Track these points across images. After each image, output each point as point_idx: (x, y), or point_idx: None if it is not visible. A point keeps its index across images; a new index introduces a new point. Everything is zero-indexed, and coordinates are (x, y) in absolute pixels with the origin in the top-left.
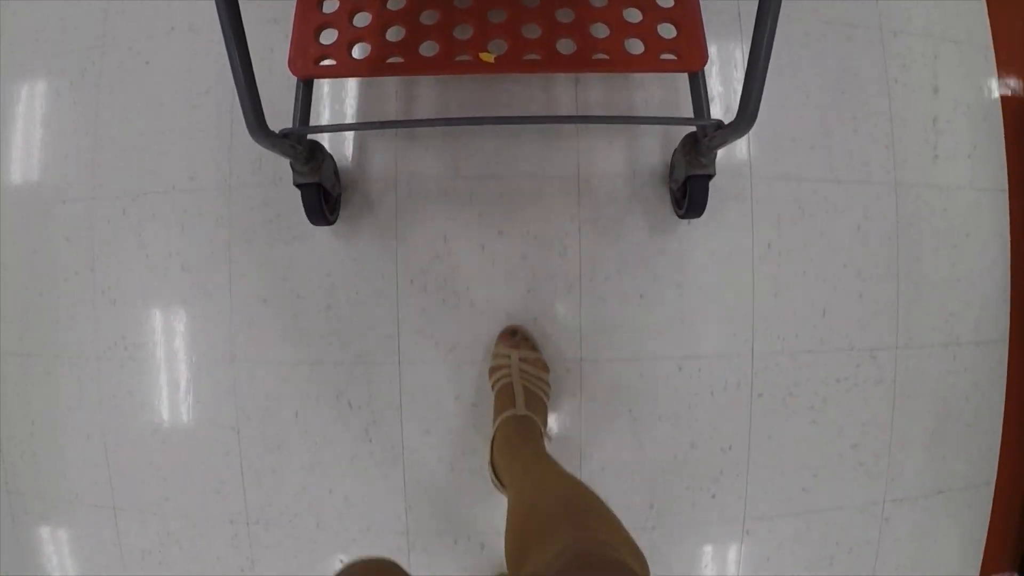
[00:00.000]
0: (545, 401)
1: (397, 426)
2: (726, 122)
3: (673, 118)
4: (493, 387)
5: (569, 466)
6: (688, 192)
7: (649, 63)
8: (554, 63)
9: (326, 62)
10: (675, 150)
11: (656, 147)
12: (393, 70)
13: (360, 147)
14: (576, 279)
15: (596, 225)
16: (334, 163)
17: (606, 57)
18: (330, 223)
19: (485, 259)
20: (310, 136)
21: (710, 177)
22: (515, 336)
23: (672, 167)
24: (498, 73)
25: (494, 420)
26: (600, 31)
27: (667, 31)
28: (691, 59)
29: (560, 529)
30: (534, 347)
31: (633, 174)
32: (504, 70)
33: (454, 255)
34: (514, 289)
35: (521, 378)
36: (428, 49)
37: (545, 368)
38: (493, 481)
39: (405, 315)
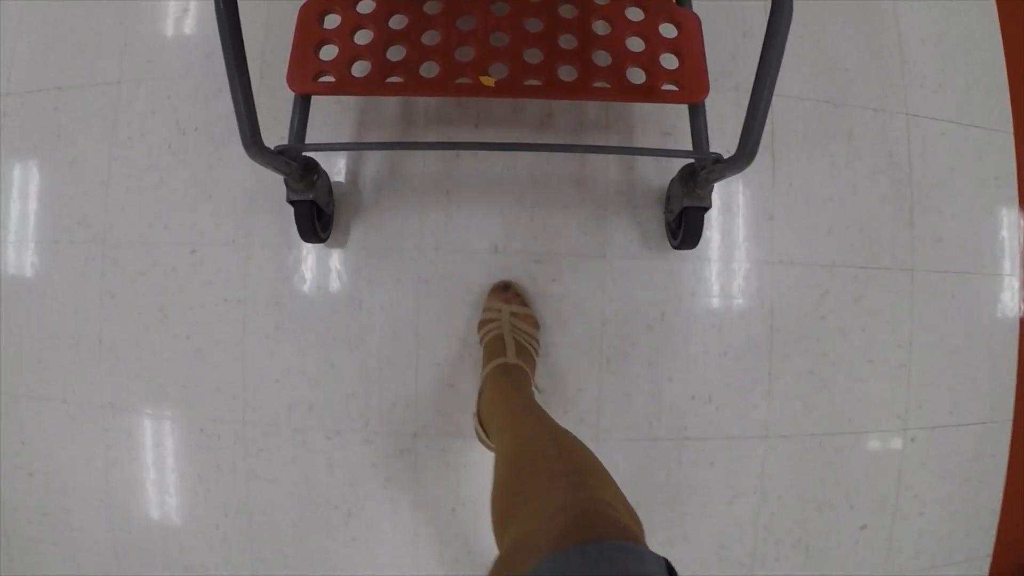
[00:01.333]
0: (535, 357)
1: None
2: (725, 156)
3: (672, 150)
4: (482, 341)
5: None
6: (683, 223)
7: (650, 94)
8: (555, 90)
9: (325, 79)
10: (672, 180)
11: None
12: (392, 89)
13: (354, 165)
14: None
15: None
16: (328, 180)
17: (607, 86)
18: (322, 240)
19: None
20: (306, 153)
21: (706, 209)
22: (507, 291)
23: (668, 197)
24: (498, 97)
25: (482, 371)
26: (602, 59)
27: (669, 61)
28: (693, 90)
29: (557, 486)
30: (525, 303)
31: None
32: (504, 95)
33: (448, 264)
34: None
35: (512, 331)
36: (428, 70)
37: (536, 324)
38: (479, 434)
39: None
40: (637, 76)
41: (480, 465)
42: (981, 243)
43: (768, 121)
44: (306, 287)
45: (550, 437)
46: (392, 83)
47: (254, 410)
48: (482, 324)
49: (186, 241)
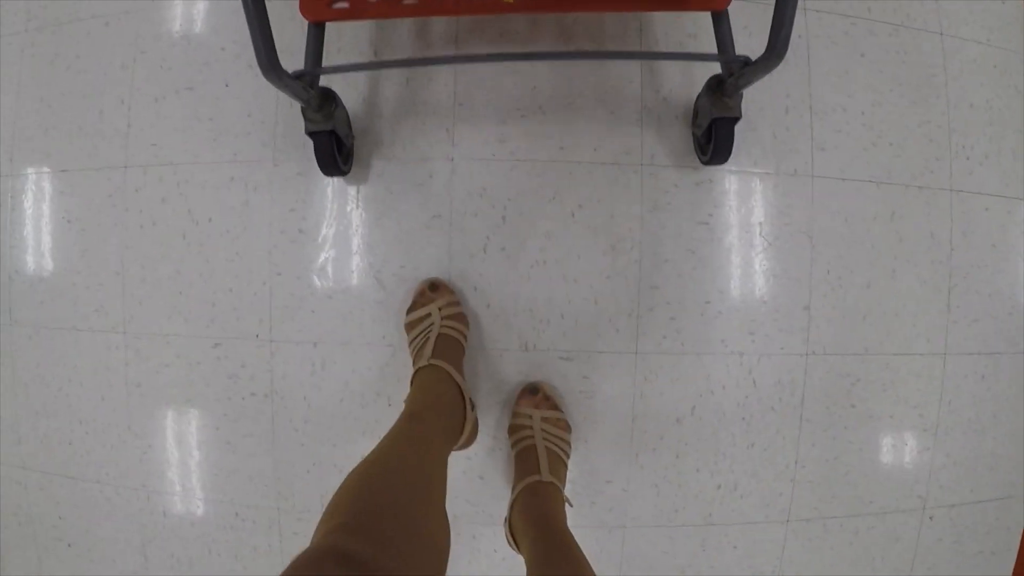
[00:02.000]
0: (566, 462)
1: None
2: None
3: (698, 54)
4: (513, 447)
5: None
6: (713, 136)
7: (672, 2)
8: (574, 2)
9: (339, 4)
10: (699, 94)
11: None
12: (408, 11)
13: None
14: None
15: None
16: (347, 112)
17: None
18: (343, 173)
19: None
20: (323, 83)
21: (736, 120)
22: (536, 394)
23: (696, 111)
24: (517, 12)
25: (515, 483)
26: None
27: None
28: None
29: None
30: (556, 406)
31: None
32: (523, 10)
33: (478, 363)
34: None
35: (544, 440)
36: None
37: (567, 428)
38: (509, 542)
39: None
40: None
41: (509, 553)
42: (1017, 321)
43: (808, 204)
44: (334, 385)
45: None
46: (408, 4)
47: (287, 499)
48: (512, 430)
49: (208, 335)
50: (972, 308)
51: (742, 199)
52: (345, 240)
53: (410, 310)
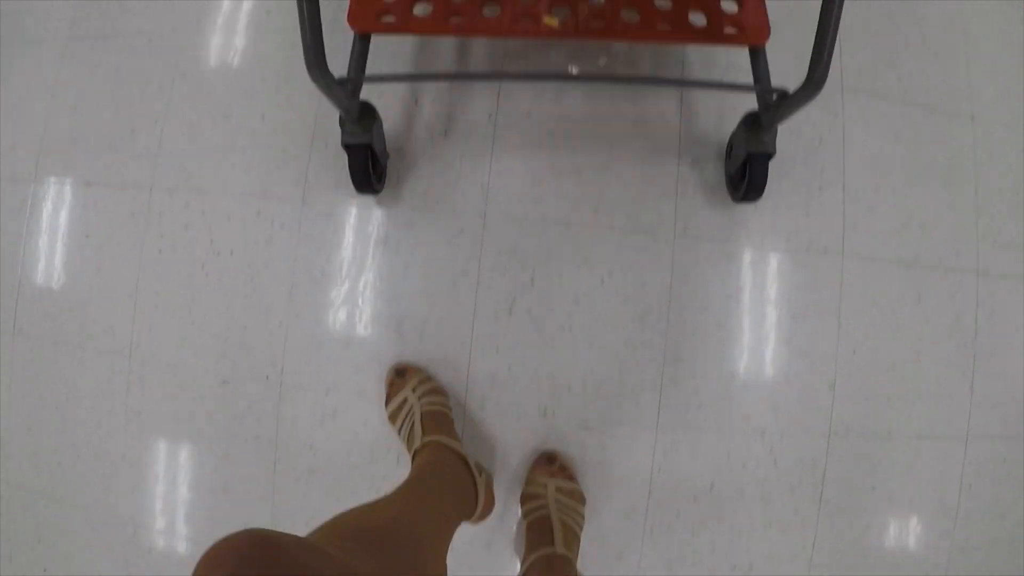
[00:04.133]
0: (579, 535)
1: None
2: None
3: (735, 84)
4: (525, 516)
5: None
6: (748, 173)
7: (713, 36)
8: (617, 31)
9: (386, 18)
10: (734, 131)
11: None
12: (454, 29)
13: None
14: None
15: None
16: (383, 129)
17: (669, 28)
18: (376, 192)
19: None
20: (363, 99)
21: (771, 156)
22: (553, 464)
23: (730, 147)
24: (561, 38)
25: (527, 554)
26: (664, 2)
27: (730, 6)
28: (754, 33)
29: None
30: (572, 476)
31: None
32: (567, 36)
33: (494, 425)
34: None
35: (559, 511)
36: (491, 11)
37: (582, 499)
38: None
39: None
40: (698, 19)
41: None
42: None
43: (837, 283)
44: (343, 436)
45: None
46: (454, 23)
47: None
48: (526, 498)
49: (216, 370)
50: (995, 391)
51: (772, 275)
52: (368, 287)
53: (387, 403)
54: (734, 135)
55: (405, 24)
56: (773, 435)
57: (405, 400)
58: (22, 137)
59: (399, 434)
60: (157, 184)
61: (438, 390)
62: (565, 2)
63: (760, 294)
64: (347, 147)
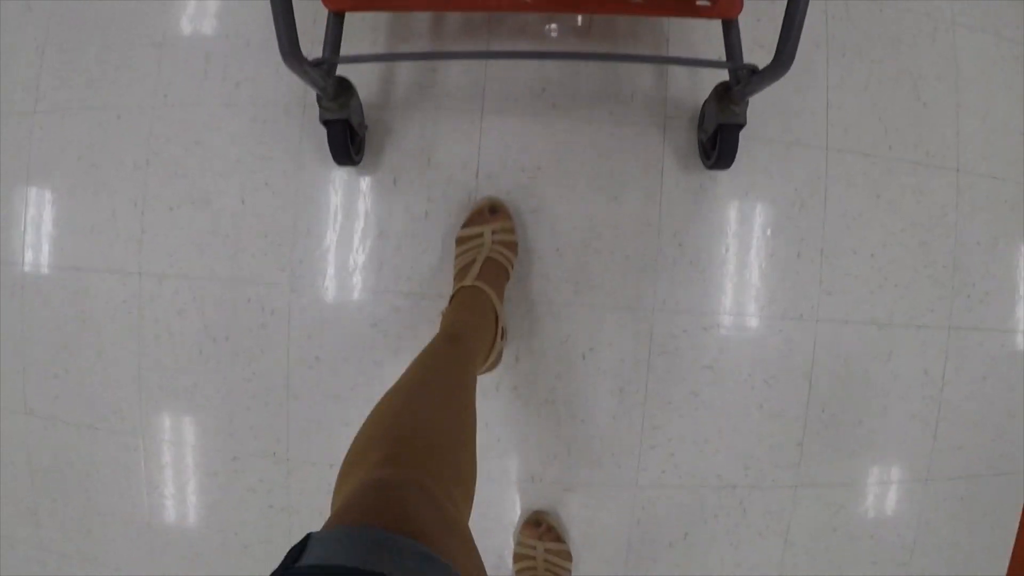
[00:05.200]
0: None
1: None
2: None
3: (706, 60)
4: (517, 575)
5: None
6: (719, 142)
7: (686, 9)
8: (591, 5)
9: None
10: (706, 99)
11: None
12: (426, 4)
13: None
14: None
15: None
16: (360, 102)
17: (642, 1)
18: (355, 163)
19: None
20: (339, 72)
21: (741, 127)
22: (540, 527)
23: (703, 116)
24: (534, 11)
25: None
26: None
27: None
28: (726, 7)
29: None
30: (559, 537)
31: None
32: (541, 9)
33: (482, 492)
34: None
35: (547, 571)
36: None
37: (568, 557)
38: None
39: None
40: None
41: None
42: (1000, 446)
43: (810, 348)
44: None
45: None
46: None
47: None
48: (516, 559)
49: (226, 448)
50: (957, 436)
51: (746, 345)
52: (362, 370)
53: (465, 225)
54: (706, 104)
55: (378, 0)
56: (743, 489)
57: (482, 234)
58: (4, 212)
59: (456, 259)
60: (145, 269)
61: (513, 245)
62: None
63: (734, 363)
64: (325, 123)
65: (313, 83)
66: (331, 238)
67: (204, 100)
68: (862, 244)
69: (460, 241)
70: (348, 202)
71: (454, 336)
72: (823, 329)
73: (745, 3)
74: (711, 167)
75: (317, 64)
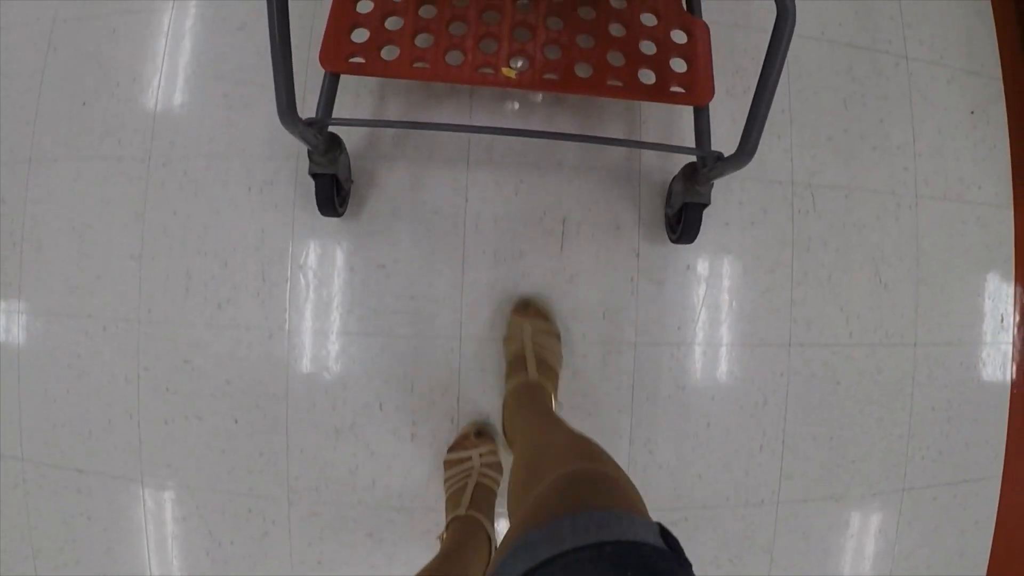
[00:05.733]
0: (557, 370)
1: None
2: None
3: (676, 146)
4: (505, 356)
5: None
6: (683, 219)
7: (660, 94)
8: (571, 84)
9: (355, 59)
10: (674, 178)
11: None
12: (419, 74)
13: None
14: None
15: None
16: (348, 159)
17: (620, 84)
18: (339, 215)
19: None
20: (331, 128)
21: (705, 206)
22: (528, 308)
23: (670, 194)
24: (517, 88)
25: (506, 384)
26: (616, 59)
27: (679, 65)
28: (699, 93)
29: (565, 463)
30: (547, 318)
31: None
32: (523, 86)
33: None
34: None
35: (534, 347)
36: (454, 58)
37: (557, 338)
38: (506, 442)
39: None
40: (648, 77)
41: None
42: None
43: (771, 527)
44: None
45: (565, 434)
46: (419, 68)
47: None
48: (506, 341)
49: None
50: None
51: (710, 530)
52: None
53: (453, 449)
54: (673, 183)
55: (372, 66)
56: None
57: (470, 459)
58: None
59: (445, 481)
60: (146, 479)
61: (498, 466)
62: (523, 53)
63: (697, 549)
64: (314, 176)
65: (305, 140)
66: (324, 457)
67: (189, 319)
68: (821, 431)
69: (448, 464)
70: (339, 421)
71: (449, 555)
72: (783, 510)
73: (716, 91)
74: (676, 241)
75: (310, 123)
